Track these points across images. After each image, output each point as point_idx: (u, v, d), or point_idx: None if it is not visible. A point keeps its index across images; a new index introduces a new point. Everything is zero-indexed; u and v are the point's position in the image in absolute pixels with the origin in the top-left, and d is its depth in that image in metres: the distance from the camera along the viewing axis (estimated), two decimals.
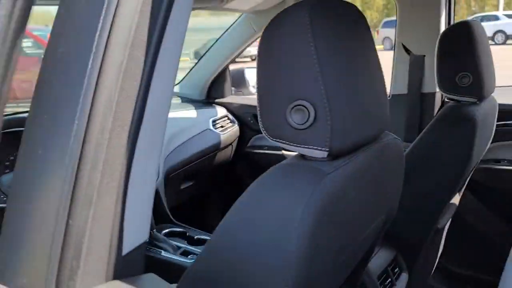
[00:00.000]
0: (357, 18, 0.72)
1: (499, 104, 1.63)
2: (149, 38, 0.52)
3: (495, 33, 14.38)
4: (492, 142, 1.70)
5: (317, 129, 0.62)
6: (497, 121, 1.67)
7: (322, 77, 0.61)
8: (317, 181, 0.60)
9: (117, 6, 0.49)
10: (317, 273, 0.63)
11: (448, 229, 1.71)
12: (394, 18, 1.84)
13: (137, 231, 0.57)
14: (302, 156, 0.66)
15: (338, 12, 0.68)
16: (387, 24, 14.31)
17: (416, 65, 1.71)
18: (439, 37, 1.31)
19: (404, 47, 1.76)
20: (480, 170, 1.73)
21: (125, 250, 0.55)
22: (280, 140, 0.65)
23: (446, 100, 1.78)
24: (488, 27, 14.13)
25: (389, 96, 1.91)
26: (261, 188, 0.64)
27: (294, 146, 0.65)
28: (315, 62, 0.61)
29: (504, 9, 19.69)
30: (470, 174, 1.63)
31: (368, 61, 0.72)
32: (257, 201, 0.63)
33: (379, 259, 1.26)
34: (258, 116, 0.67)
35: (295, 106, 0.62)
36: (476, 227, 1.79)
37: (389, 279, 1.25)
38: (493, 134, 1.52)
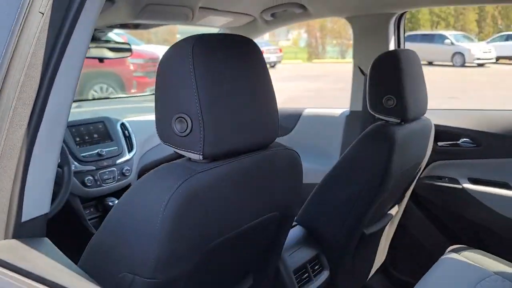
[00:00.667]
0: (244, 49, 0.89)
1: (440, 126, 1.77)
2: (47, 59, 0.71)
3: None
4: (435, 161, 1.84)
5: (193, 137, 0.80)
6: (438, 141, 1.81)
7: (198, 97, 0.78)
8: (185, 177, 0.78)
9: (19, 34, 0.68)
10: (182, 251, 0.80)
11: (393, 237, 1.86)
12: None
13: (37, 205, 0.76)
14: (189, 158, 0.84)
15: (219, 45, 0.85)
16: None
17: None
18: (371, 63, 1.47)
19: (360, 68, 1.93)
20: (425, 185, 1.87)
21: (25, 218, 0.74)
22: (170, 144, 0.84)
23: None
24: None
25: (348, 112, 2.08)
26: (141, 182, 0.82)
27: (179, 149, 0.83)
28: (193, 84, 0.79)
29: None
30: (411, 188, 1.77)
31: (252, 84, 0.89)
32: (136, 191, 0.82)
33: (301, 254, 1.41)
34: (155, 122, 0.85)
35: (178, 117, 0.80)
36: (417, 236, 1.92)
37: (307, 274, 1.40)
38: (427, 152, 1.66)
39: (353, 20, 1.87)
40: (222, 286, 1.05)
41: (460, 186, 1.78)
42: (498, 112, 1.83)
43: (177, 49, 0.82)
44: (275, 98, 0.95)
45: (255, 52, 0.91)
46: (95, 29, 1.79)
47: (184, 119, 0.79)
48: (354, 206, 1.47)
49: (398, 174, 1.45)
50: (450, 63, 14.35)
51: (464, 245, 1.60)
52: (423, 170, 1.85)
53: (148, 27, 1.85)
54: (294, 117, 2.21)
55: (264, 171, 0.94)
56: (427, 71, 1.57)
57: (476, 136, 1.74)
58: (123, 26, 1.74)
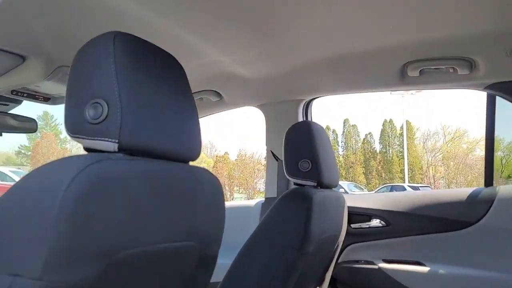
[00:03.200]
0: (167, 59, 0.89)
1: (352, 207, 1.82)
2: None
3: None
4: (351, 244, 1.85)
5: (109, 123, 0.73)
6: (351, 223, 1.84)
7: (117, 81, 0.74)
8: (96, 159, 0.68)
9: None
10: (83, 250, 0.64)
11: None
12: None
13: None
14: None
15: (143, 43, 0.85)
16: None
17: (283, 170, 1.93)
18: (283, 128, 1.54)
19: (273, 154, 2.00)
20: (343, 269, 1.83)
21: None
22: (79, 135, 0.75)
23: None
24: None
25: (263, 200, 2.07)
26: (40, 166, 0.69)
27: (90, 139, 0.74)
28: (112, 69, 0.75)
29: (408, 182, 22.30)
30: (330, 271, 1.72)
31: (176, 91, 0.87)
32: (32, 174, 0.68)
33: None
34: (64, 116, 0.77)
35: (92, 103, 0.74)
36: None
37: None
38: (343, 226, 1.67)
39: (264, 107, 2.00)
40: None
41: (376, 267, 1.77)
42: (402, 193, 1.95)
43: (97, 40, 0.79)
44: (198, 119, 0.93)
45: (180, 67, 0.92)
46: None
47: (100, 104, 0.73)
48: (275, 274, 1.37)
49: (318, 240, 1.42)
50: None
51: None
52: (340, 254, 1.83)
53: (57, 102, 1.76)
54: None
55: (185, 186, 0.87)
56: None
57: (385, 216, 1.80)
58: (30, 96, 1.65)
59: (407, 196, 1.86)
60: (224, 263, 1.33)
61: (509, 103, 1.59)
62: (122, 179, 0.71)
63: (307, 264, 1.43)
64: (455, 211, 1.69)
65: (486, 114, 1.67)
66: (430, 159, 24.74)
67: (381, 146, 25.73)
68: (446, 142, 24.44)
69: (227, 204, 2.20)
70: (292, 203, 1.40)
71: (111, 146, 0.73)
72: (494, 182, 1.71)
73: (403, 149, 23.95)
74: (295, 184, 1.52)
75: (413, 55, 1.48)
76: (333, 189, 1.62)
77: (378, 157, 25.30)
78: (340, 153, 25.93)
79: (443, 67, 1.52)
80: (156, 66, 0.84)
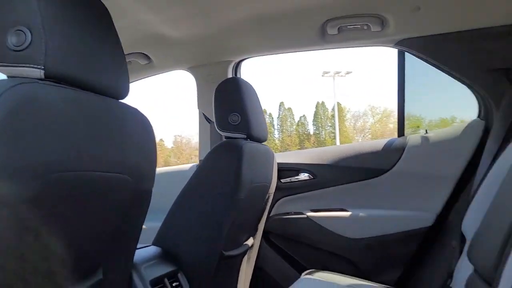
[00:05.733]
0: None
1: (282, 164, 1.92)
2: None
3: None
4: (281, 198, 1.96)
5: (33, 49, 0.74)
6: (281, 179, 1.95)
7: (40, 12, 0.75)
8: (18, 83, 0.69)
9: None
10: (16, 163, 0.67)
11: (252, 277, 1.83)
12: None
13: None
14: None
15: None
16: None
17: (215, 132, 1.99)
18: (214, 90, 1.59)
19: (205, 116, 2.05)
20: (275, 221, 1.93)
21: None
22: (1, 63, 0.75)
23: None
24: None
25: (198, 164, 2.12)
26: None
27: (14, 66, 0.75)
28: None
29: None
30: (263, 222, 1.81)
31: (100, 34, 0.88)
32: None
33: (157, 267, 1.28)
34: None
35: (15, 30, 0.74)
36: (274, 271, 1.93)
37: None
38: (273, 178, 1.77)
39: (194, 70, 2.03)
40: (70, 262, 0.87)
41: (305, 216, 1.89)
42: (326, 148, 2.09)
43: None
44: (125, 62, 0.96)
45: (105, 9, 0.94)
46: None
47: (22, 31, 0.74)
48: (209, 222, 1.44)
49: (249, 188, 1.50)
50: None
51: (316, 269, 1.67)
52: (271, 208, 1.94)
53: None
54: None
55: (115, 120, 0.90)
56: None
57: (312, 169, 1.93)
58: None
59: (331, 150, 1.99)
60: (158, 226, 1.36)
61: (417, 58, 1.75)
62: (49, 102, 0.73)
63: (240, 213, 1.51)
64: (373, 160, 1.85)
65: (398, 70, 1.83)
66: (360, 139, 25.98)
67: (314, 128, 26.56)
68: (375, 123, 25.75)
69: (162, 169, 2.23)
70: (223, 153, 1.47)
71: (37, 72, 0.74)
72: (405, 132, 1.88)
73: (335, 130, 24.90)
74: (226, 138, 1.58)
75: (331, 13, 1.59)
76: (263, 143, 1.70)
77: (311, 139, 26.12)
78: (276, 136, 26.44)
79: (358, 24, 1.64)
80: (80, 7, 0.86)
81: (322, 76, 22.64)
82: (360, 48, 1.84)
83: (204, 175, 1.47)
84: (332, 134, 25.60)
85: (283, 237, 1.95)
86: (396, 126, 1.90)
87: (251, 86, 1.65)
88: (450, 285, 1.41)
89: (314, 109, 26.64)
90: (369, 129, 25.99)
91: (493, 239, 0.94)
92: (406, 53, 1.78)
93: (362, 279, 1.62)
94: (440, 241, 1.71)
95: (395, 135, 1.90)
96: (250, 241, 1.73)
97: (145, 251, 1.33)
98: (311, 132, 26.61)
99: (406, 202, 1.79)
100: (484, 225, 0.96)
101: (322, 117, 26.42)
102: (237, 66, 2.02)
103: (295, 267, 1.90)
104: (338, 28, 1.66)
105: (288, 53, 1.91)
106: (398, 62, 1.82)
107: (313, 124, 26.67)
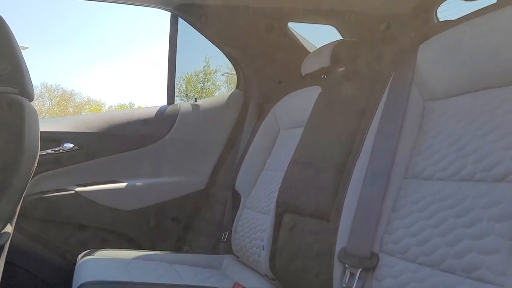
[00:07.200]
0: None
1: (45, 132, 1.56)
2: None
3: None
4: (39, 173, 1.61)
5: None
6: (41, 150, 1.60)
7: None
8: None
9: None
10: None
11: None
12: None
13: None
14: None
15: None
16: None
17: None
18: None
19: None
20: (32, 202, 1.58)
21: None
22: None
23: None
24: None
25: None
26: None
27: None
28: None
29: None
30: (19, 207, 1.45)
31: None
32: None
33: None
34: None
35: None
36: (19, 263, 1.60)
37: None
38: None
39: None
40: None
41: (72, 192, 1.63)
42: (93, 114, 1.86)
43: None
44: None
45: None
46: None
47: None
48: None
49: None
50: None
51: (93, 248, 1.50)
52: None
53: None
54: None
55: None
56: None
57: (77, 138, 1.67)
58: None
59: (99, 117, 1.79)
60: None
61: (188, 25, 1.79)
62: None
63: None
64: (147, 128, 1.78)
65: (170, 36, 1.82)
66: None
67: None
68: (53, 106, 24.02)
69: None
70: None
71: None
72: (175, 100, 1.90)
73: None
74: None
75: None
76: None
77: None
78: None
79: None
80: None
81: None
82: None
83: None
84: None
85: (42, 221, 1.62)
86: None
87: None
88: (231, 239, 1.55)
89: None
90: (47, 112, 24.06)
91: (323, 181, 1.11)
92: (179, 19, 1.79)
93: (145, 250, 1.56)
94: (214, 200, 1.83)
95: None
96: (9, 228, 1.36)
97: None
98: None
99: (180, 168, 1.81)
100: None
101: None
102: None
103: (68, 247, 1.62)
104: None
105: None
106: (171, 28, 1.81)
107: None
